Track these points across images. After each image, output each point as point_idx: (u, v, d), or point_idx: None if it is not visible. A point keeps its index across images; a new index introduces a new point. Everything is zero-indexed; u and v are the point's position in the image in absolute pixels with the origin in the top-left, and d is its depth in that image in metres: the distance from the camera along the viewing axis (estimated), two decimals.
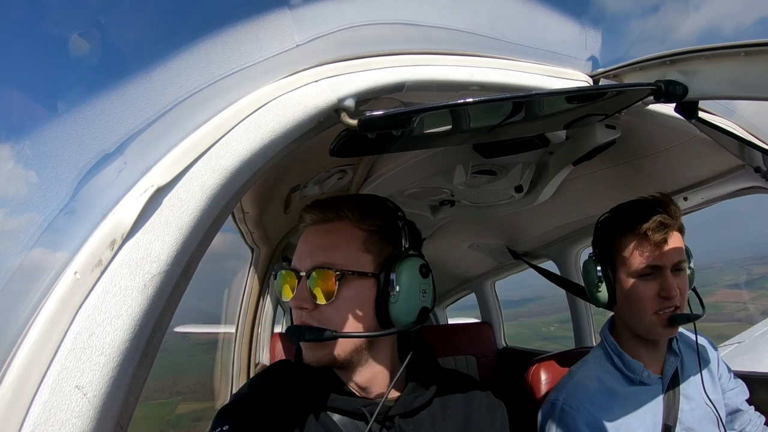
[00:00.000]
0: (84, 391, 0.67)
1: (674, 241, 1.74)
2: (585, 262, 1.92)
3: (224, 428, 1.18)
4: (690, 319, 1.74)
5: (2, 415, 0.63)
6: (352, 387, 1.31)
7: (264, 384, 1.32)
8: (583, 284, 1.91)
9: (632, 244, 1.76)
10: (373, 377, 1.31)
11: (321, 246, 1.27)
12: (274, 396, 1.27)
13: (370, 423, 1.24)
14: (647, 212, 1.73)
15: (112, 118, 0.84)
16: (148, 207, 0.78)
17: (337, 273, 1.22)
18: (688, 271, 1.81)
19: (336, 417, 1.27)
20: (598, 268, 1.84)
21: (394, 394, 1.34)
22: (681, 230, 1.78)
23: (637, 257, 1.74)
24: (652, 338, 1.83)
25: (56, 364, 0.67)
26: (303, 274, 1.24)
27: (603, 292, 1.84)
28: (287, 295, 1.26)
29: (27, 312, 0.69)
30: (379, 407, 1.24)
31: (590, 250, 1.96)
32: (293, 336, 1.22)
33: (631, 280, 1.77)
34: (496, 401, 1.49)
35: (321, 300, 1.22)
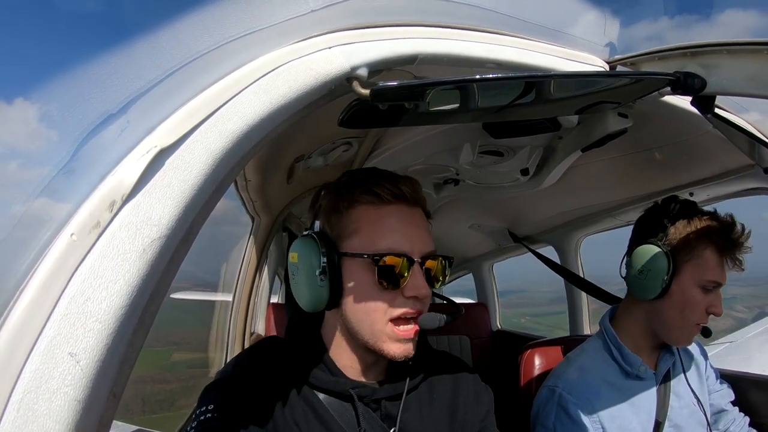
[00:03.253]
0: (77, 359, 0.65)
1: None
2: (649, 249, 1.84)
3: (209, 407, 1.17)
4: (706, 334, 1.80)
5: None
6: (342, 368, 1.30)
7: (251, 362, 1.30)
8: (581, 273, 1.90)
9: (714, 259, 1.76)
10: (364, 359, 1.31)
11: (427, 231, 1.29)
12: (261, 374, 1.26)
13: (357, 405, 1.24)
14: (738, 240, 1.76)
15: (118, 77, 0.82)
16: (150, 168, 0.76)
17: (450, 260, 1.30)
18: None
19: (322, 396, 1.26)
20: (667, 260, 1.78)
21: (381, 376, 1.35)
22: None
23: (712, 272, 1.75)
24: (674, 344, 1.86)
25: (49, 330, 0.65)
26: (418, 260, 1.23)
27: (658, 285, 1.79)
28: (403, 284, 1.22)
29: (20, 274, 0.67)
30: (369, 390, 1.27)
31: (591, 238, 1.95)
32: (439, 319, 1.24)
33: (694, 288, 1.76)
34: (482, 386, 1.48)
35: (434, 287, 1.27)
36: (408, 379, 1.32)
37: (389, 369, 1.36)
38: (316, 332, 1.37)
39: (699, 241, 1.78)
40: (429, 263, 1.25)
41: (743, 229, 1.78)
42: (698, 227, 1.80)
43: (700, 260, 1.76)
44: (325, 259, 1.22)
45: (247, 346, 3.05)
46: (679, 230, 1.82)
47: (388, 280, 1.19)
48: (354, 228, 1.24)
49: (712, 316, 1.77)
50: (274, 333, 3.39)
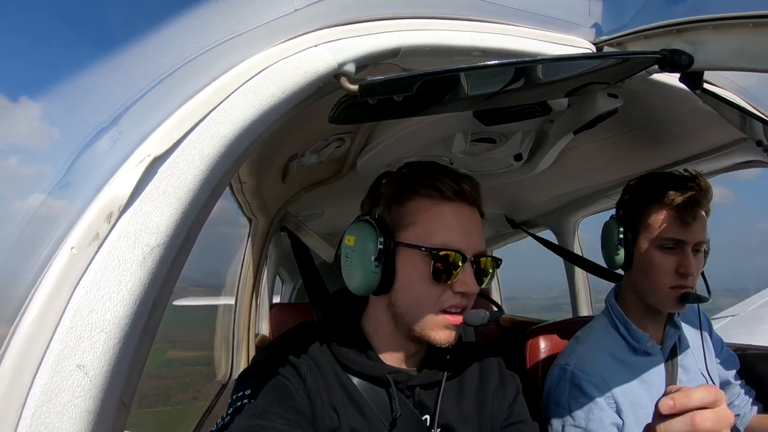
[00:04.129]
0: (85, 370, 0.65)
1: (701, 221, 1.76)
2: (607, 223, 1.94)
3: (246, 392, 1.19)
4: (700, 300, 1.76)
5: (2, 400, 0.62)
6: (380, 354, 1.33)
7: (286, 346, 1.33)
8: (580, 253, 1.92)
9: (661, 214, 1.77)
10: (405, 347, 1.34)
11: (481, 232, 1.33)
12: (296, 357, 1.28)
13: (392, 390, 1.27)
14: (683, 186, 1.75)
15: (107, 88, 0.82)
16: (145, 177, 0.75)
17: (499, 261, 1.35)
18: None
19: (356, 380, 1.29)
20: (621, 229, 1.85)
21: (417, 365, 1.38)
22: (707, 213, 1.78)
23: (663, 227, 1.76)
24: (661, 309, 1.85)
25: (56, 343, 0.65)
26: (471, 258, 1.27)
27: (621, 255, 1.86)
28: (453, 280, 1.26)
29: (23, 290, 0.67)
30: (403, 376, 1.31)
31: (589, 219, 1.97)
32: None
33: (652, 249, 1.78)
34: (508, 373, 1.52)
35: (482, 285, 1.32)
36: (440, 369, 1.36)
37: (425, 358, 1.39)
38: (356, 318, 1.40)
39: (644, 202, 1.83)
40: (481, 261, 1.29)
41: (688, 174, 1.81)
42: (641, 191, 1.87)
43: (649, 220, 1.80)
44: (381, 246, 1.26)
45: (252, 347, 3.06)
46: (631, 200, 1.89)
47: (441, 274, 1.23)
48: (412, 219, 1.28)
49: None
50: (278, 334, 3.39)
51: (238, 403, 1.17)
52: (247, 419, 1.12)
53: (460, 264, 1.24)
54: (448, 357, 1.38)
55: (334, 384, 1.27)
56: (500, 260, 1.35)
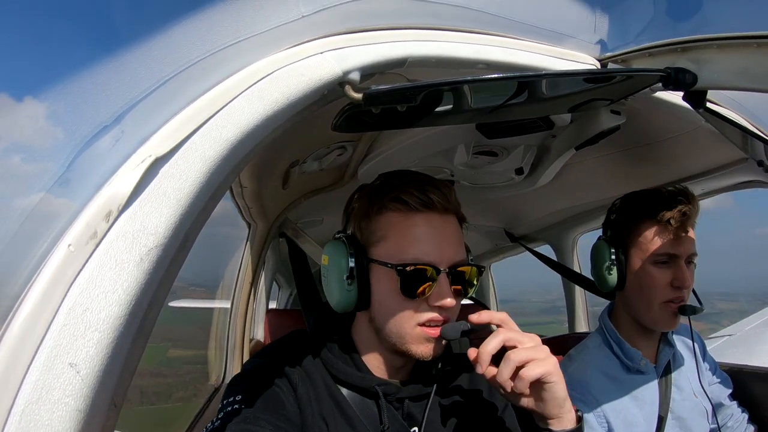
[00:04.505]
0: (77, 369, 0.65)
1: (691, 233, 1.76)
2: (596, 244, 1.92)
3: (237, 397, 1.18)
4: (696, 311, 1.76)
5: None
6: (370, 366, 1.32)
7: (278, 353, 1.33)
8: (578, 270, 1.91)
9: (652, 230, 1.77)
10: (391, 360, 1.33)
11: (457, 239, 1.30)
12: (288, 366, 1.27)
13: (381, 402, 1.26)
14: (672, 201, 1.75)
15: (111, 87, 0.82)
16: (145, 177, 0.76)
17: (481, 269, 1.31)
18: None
19: (345, 392, 1.28)
20: (612, 250, 1.84)
21: (406, 377, 1.36)
22: (694, 225, 1.78)
23: (655, 243, 1.76)
24: (655, 327, 1.85)
25: (48, 341, 0.65)
26: (446, 270, 1.23)
27: (614, 275, 1.85)
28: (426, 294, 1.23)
29: (19, 285, 0.67)
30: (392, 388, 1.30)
31: (588, 235, 1.97)
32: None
33: (646, 266, 1.78)
34: None
35: (467, 295, 1.29)
36: (428, 381, 1.34)
37: (414, 370, 1.37)
38: (347, 330, 1.39)
39: (634, 220, 1.83)
40: (459, 271, 1.25)
41: (675, 189, 1.81)
42: (629, 209, 1.87)
43: (640, 237, 1.80)
44: (352, 264, 1.24)
45: (246, 352, 3.05)
46: (620, 219, 1.90)
47: (411, 290, 1.21)
48: (382, 235, 1.26)
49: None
50: (273, 339, 3.37)
51: (229, 408, 1.16)
52: (237, 424, 1.11)
53: (433, 277, 1.21)
54: (437, 369, 1.37)
55: (324, 395, 1.27)
56: (483, 268, 1.34)
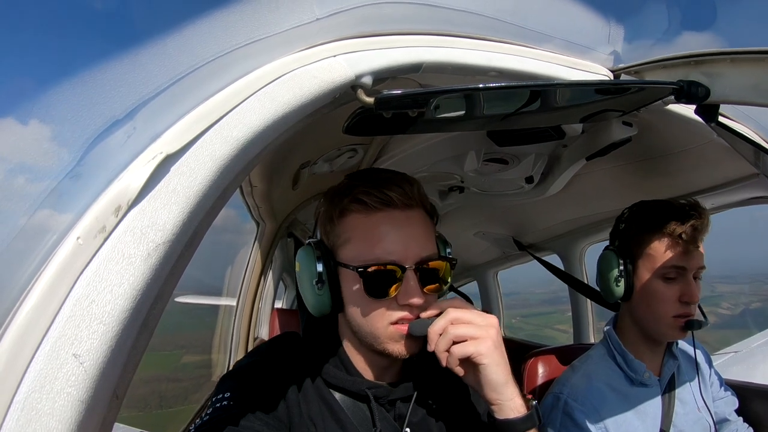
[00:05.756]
0: (81, 360, 0.65)
1: (701, 247, 1.75)
2: (605, 254, 1.90)
3: (226, 395, 1.18)
4: (701, 326, 1.75)
5: None
6: (359, 368, 1.32)
7: (269, 354, 1.32)
8: (585, 280, 1.90)
9: (663, 243, 1.75)
10: (376, 361, 1.32)
11: (424, 233, 1.28)
12: (280, 367, 1.27)
13: (372, 405, 1.26)
14: (684, 215, 1.73)
15: (124, 83, 0.83)
16: (155, 174, 0.76)
17: (452, 261, 1.29)
18: None
19: (337, 395, 1.28)
20: (619, 260, 1.82)
21: (396, 378, 1.36)
22: (704, 240, 1.77)
23: (665, 257, 1.73)
24: (661, 340, 1.83)
25: (54, 331, 0.65)
26: (412, 266, 1.22)
27: (621, 286, 1.82)
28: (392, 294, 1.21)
29: (27, 275, 0.67)
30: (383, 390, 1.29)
31: (595, 246, 1.96)
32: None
33: (654, 279, 1.76)
34: None
35: (440, 290, 1.27)
36: (418, 381, 1.34)
37: (403, 371, 1.37)
38: (334, 332, 1.38)
39: (643, 231, 1.80)
40: (428, 267, 1.24)
41: (686, 202, 1.78)
42: (642, 220, 1.83)
43: (649, 250, 1.78)
44: (320, 268, 1.23)
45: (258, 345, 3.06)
46: (629, 230, 1.86)
47: (377, 291, 1.20)
48: (346, 237, 1.25)
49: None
50: None
51: (218, 405, 1.16)
52: (225, 421, 1.11)
53: (398, 275, 1.19)
54: (425, 369, 1.36)
55: (314, 397, 1.26)
56: (455, 260, 1.31)
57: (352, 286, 1.23)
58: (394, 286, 1.19)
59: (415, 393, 1.32)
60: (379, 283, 1.19)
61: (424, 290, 1.22)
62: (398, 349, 1.23)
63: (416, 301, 1.20)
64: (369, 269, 1.19)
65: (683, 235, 1.71)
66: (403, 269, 1.20)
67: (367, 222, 1.23)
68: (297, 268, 1.30)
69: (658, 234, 1.76)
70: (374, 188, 1.22)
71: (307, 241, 1.31)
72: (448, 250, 1.36)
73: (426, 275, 1.23)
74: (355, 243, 1.23)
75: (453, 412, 1.39)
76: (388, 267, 1.19)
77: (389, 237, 1.21)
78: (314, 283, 1.23)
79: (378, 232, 1.22)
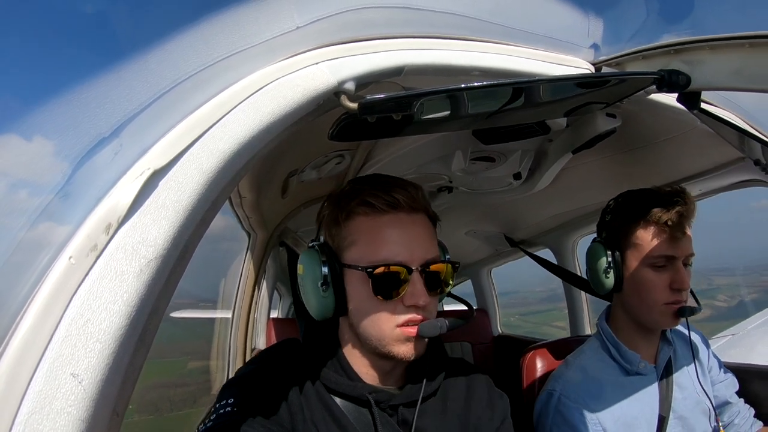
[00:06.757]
0: (79, 379, 0.65)
1: (688, 233, 1.75)
2: (592, 246, 1.90)
3: (229, 401, 1.18)
4: (694, 312, 1.75)
5: None
6: (360, 373, 1.31)
7: (270, 360, 1.33)
8: (578, 273, 1.90)
9: (650, 232, 1.75)
10: (379, 365, 1.32)
11: (428, 237, 1.30)
12: (280, 373, 1.27)
13: (374, 410, 1.25)
14: (668, 202, 1.73)
15: (109, 100, 0.83)
16: (144, 190, 0.76)
17: (455, 265, 1.31)
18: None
19: (339, 401, 1.27)
20: (607, 252, 1.82)
21: (399, 382, 1.36)
22: (691, 225, 1.77)
23: (652, 245, 1.74)
24: (655, 328, 1.84)
25: (51, 352, 0.65)
26: (418, 268, 1.23)
27: (610, 278, 1.82)
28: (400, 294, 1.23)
29: (21, 297, 0.67)
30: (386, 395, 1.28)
31: (586, 238, 1.96)
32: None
33: (643, 268, 1.76)
34: (497, 393, 1.49)
35: (443, 292, 1.30)
36: (423, 386, 1.33)
37: (407, 376, 1.37)
38: (334, 337, 1.38)
39: (629, 221, 1.81)
40: (432, 270, 1.25)
41: (671, 189, 1.79)
42: (624, 211, 1.84)
43: (636, 239, 1.78)
44: (326, 271, 1.24)
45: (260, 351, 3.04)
46: (615, 221, 1.87)
47: (384, 291, 1.21)
48: (352, 239, 1.26)
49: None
50: None
51: (221, 411, 1.16)
52: (228, 427, 1.11)
53: (405, 277, 1.21)
54: (427, 370, 1.35)
55: (316, 403, 1.26)
56: (458, 264, 1.32)
57: (358, 288, 1.24)
58: (401, 288, 1.21)
59: (420, 398, 1.31)
60: (387, 284, 1.21)
61: (429, 292, 1.23)
62: (404, 351, 1.23)
63: (423, 302, 1.21)
64: (378, 270, 1.20)
65: (669, 222, 1.71)
66: (410, 271, 1.21)
67: (374, 224, 1.24)
68: (300, 271, 1.30)
69: (643, 222, 1.76)
70: (381, 191, 1.24)
71: (310, 244, 1.31)
72: (447, 257, 1.37)
73: (430, 278, 1.25)
74: (362, 245, 1.24)
75: (462, 417, 1.38)
76: (396, 268, 1.20)
77: (396, 239, 1.23)
78: (319, 285, 1.24)
79: (385, 234, 1.23)
